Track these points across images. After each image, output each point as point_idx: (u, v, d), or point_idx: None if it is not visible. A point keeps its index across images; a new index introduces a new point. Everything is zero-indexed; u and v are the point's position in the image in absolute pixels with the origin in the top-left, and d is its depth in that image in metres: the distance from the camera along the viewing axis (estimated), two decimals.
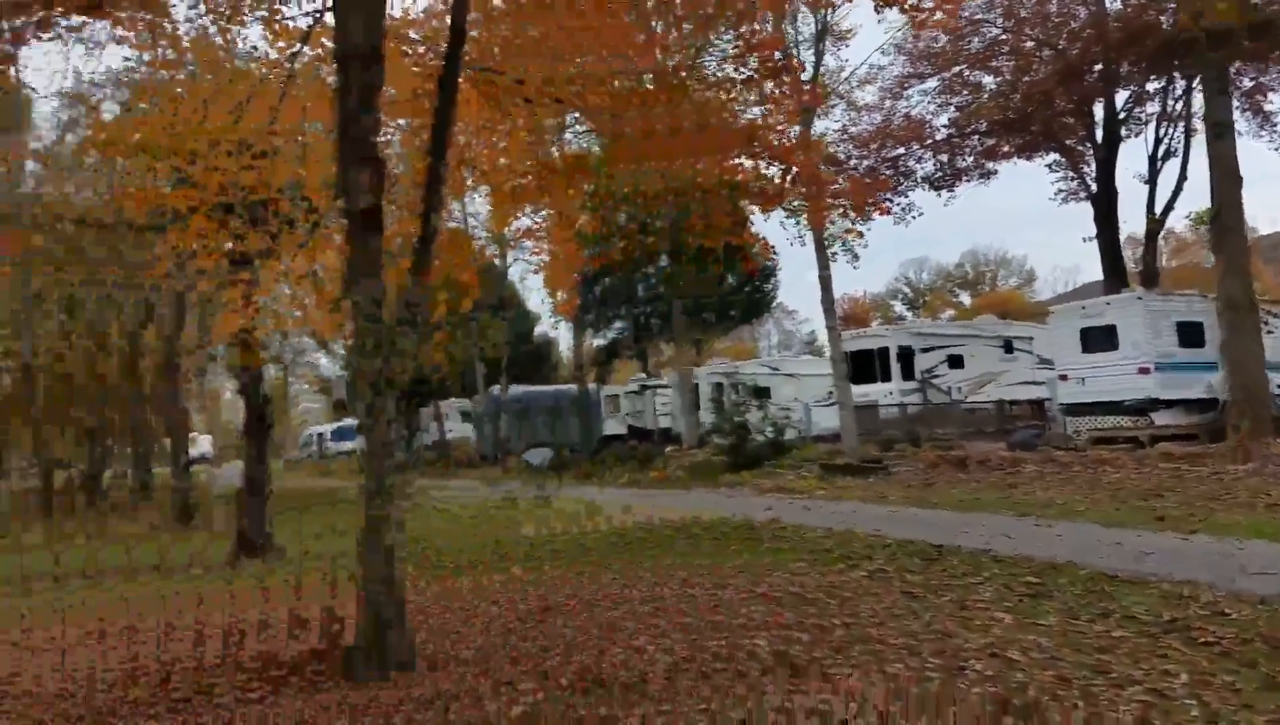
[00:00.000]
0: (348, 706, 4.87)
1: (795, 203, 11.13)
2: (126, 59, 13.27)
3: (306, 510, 20.99)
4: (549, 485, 21.97)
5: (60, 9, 4.97)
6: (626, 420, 37.67)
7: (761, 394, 27.35)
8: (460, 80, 5.97)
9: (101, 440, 31.42)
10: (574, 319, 33.90)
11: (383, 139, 6.10)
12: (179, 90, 6.88)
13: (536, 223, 9.36)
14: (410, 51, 6.97)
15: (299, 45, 6.71)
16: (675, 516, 13.56)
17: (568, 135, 9.67)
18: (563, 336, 51.28)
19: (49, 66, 32.85)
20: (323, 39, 6.64)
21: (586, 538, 12.68)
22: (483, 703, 4.75)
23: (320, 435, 70.71)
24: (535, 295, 48.68)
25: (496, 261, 36.05)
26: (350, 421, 66.63)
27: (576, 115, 8.27)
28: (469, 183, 8.74)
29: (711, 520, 13.03)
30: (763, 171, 9.11)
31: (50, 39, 5.40)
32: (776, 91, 9.31)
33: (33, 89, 18.18)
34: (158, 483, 38.92)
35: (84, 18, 5.39)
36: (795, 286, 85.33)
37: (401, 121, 7.46)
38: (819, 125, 22.89)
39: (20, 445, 29.01)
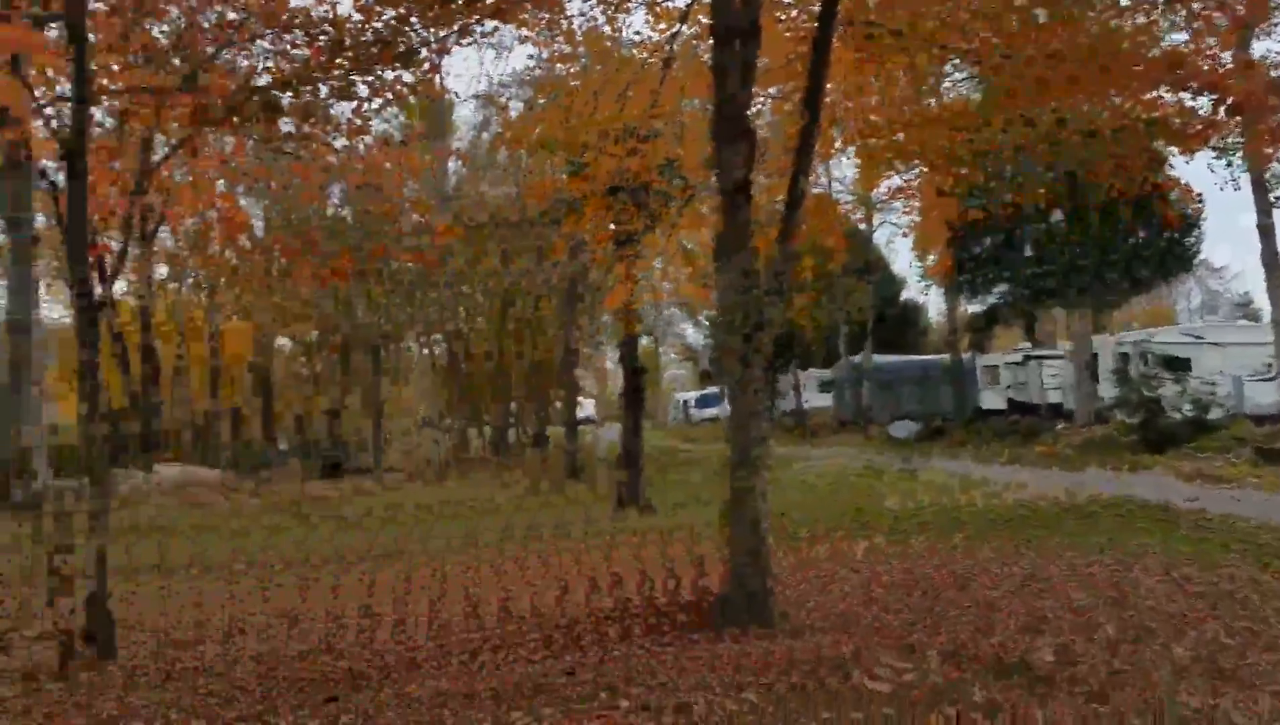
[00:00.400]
0: (715, 659, 5.00)
1: (1228, 139, 9.32)
2: (530, 57, 14.90)
3: (673, 471, 22.49)
4: (915, 458, 21.07)
5: (476, 17, 5.69)
6: (1006, 392, 34.64)
7: (1178, 365, 23.46)
8: (834, 39, 5.77)
9: (509, 404, 36.38)
10: (946, 283, 31.76)
11: (753, 109, 6.08)
12: (573, 83, 7.57)
13: (908, 181, 8.85)
14: (784, 17, 6.89)
15: (678, 26, 6.99)
16: (1063, 495, 12.29)
17: (945, 84, 9.00)
18: (932, 302, 48.37)
19: (466, 72, 38.16)
20: (699, 16, 6.83)
21: (959, 511, 11.98)
22: (848, 672, 4.58)
23: (686, 402, 75.09)
24: (902, 258, 46.56)
25: (861, 226, 35.00)
26: (713, 389, 69.89)
27: (957, 61, 7.63)
28: (837, 145, 8.50)
29: (1111, 499, 11.59)
30: (1186, 104, 7.70)
31: (468, 43, 6.19)
32: (1206, 9, 7.80)
33: (455, 94, 21.24)
34: (550, 442, 44.18)
35: (495, 22, 6.11)
36: (1223, 239, 72.64)
37: (773, 90, 7.44)
38: (1259, 46, 18.91)
39: (450, 408, 34.27)
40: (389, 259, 24.79)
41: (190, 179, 6.49)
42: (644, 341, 39.27)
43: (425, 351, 39.47)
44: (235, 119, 5.15)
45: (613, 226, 8.30)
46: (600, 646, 5.42)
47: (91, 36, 5.43)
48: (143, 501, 16.66)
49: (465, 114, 34.40)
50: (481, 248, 32.37)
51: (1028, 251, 32.78)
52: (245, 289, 30.82)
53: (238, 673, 5.29)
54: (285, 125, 5.75)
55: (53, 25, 5.62)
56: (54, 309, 30.82)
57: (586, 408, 54.86)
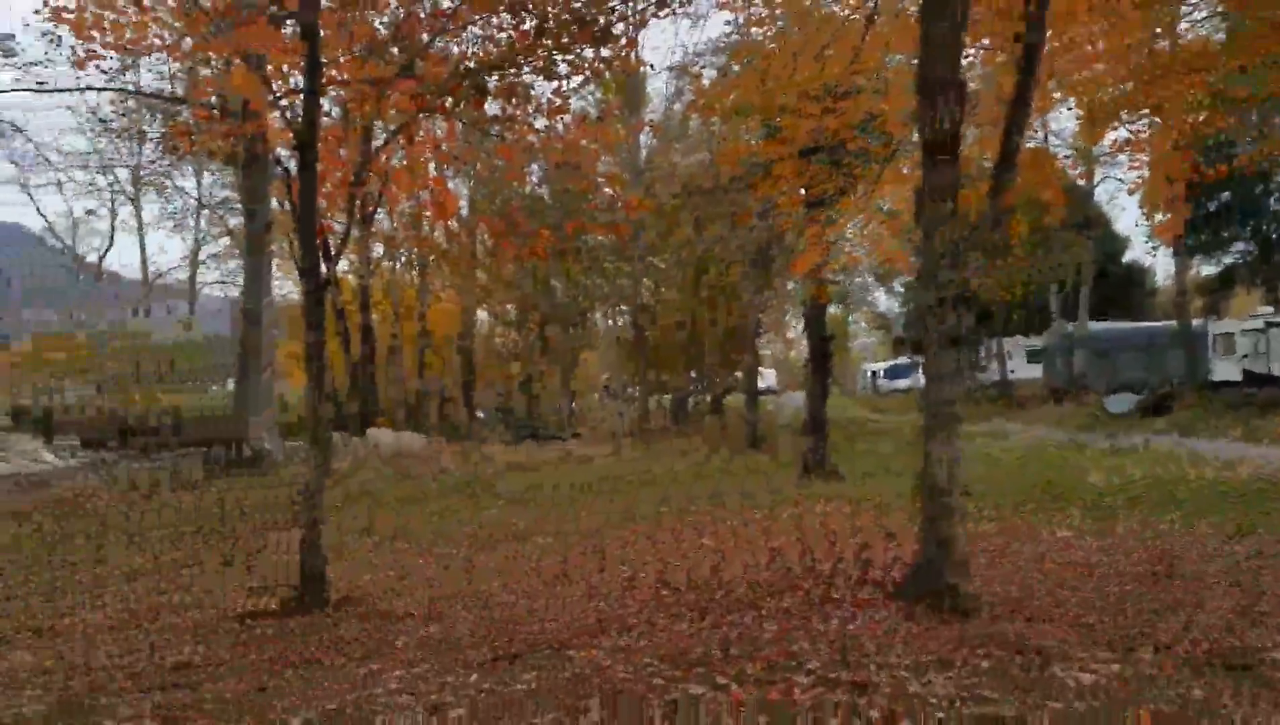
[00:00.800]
0: (902, 636, 4.86)
1: None
2: (726, 23, 14.70)
3: (861, 440, 21.91)
4: (1133, 433, 19.35)
5: None
6: (1242, 362, 31.02)
7: None
8: None
9: (689, 373, 36.79)
10: (1176, 243, 28.81)
11: (962, 60, 5.73)
12: (770, 45, 7.44)
13: (1136, 133, 8.00)
14: None
15: None
16: None
17: (1182, 25, 8.04)
18: (1160, 263, 44.03)
19: (662, 45, 38.47)
20: None
21: (1177, 486, 10.97)
22: (1046, 661, 4.32)
23: (874, 372, 72.82)
24: (1126, 216, 42.36)
25: (1080, 182, 32.31)
26: (904, 360, 67.26)
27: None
28: (1056, 96, 7.84)
29: None
30: None
31: (665, 15, 6.22)
32: None
33: (650, 67, 21.43)
34: (729, 410, 44.21)
35: None
36: None
37: (985, 41, 6.96)
38: None
39: (634, 378, 35.00)
40: (585, 235, 25.73)
41: (405, 163, 6.95)
42: (833, 309, 38.43)
43: (610, 323, 40.68)
44: (448, 103, 5.48)
45: (804, 191, 8.11)
46: (784, 615, 5.40)
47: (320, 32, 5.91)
48: (361, 466, 18.25)
49: (658, 85, 34.85)
50: (674, 219, 32.86)
51: (1272, 206, 29.10)
52: (453, 269, 32.94)
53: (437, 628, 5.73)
54: (492, 108, 6.08)
55: (287, 23, 6.20)
56: (284, 286, 34.29)
57: (768, 377, 54.48)
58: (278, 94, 6.32)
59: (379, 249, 30.21)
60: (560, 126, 6.78)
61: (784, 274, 21.67)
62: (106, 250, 42.88)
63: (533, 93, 5.96)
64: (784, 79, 6.84)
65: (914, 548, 6.42)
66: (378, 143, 7.24)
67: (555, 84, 6.18)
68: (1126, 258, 45.69)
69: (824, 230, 8.10)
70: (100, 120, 19.93)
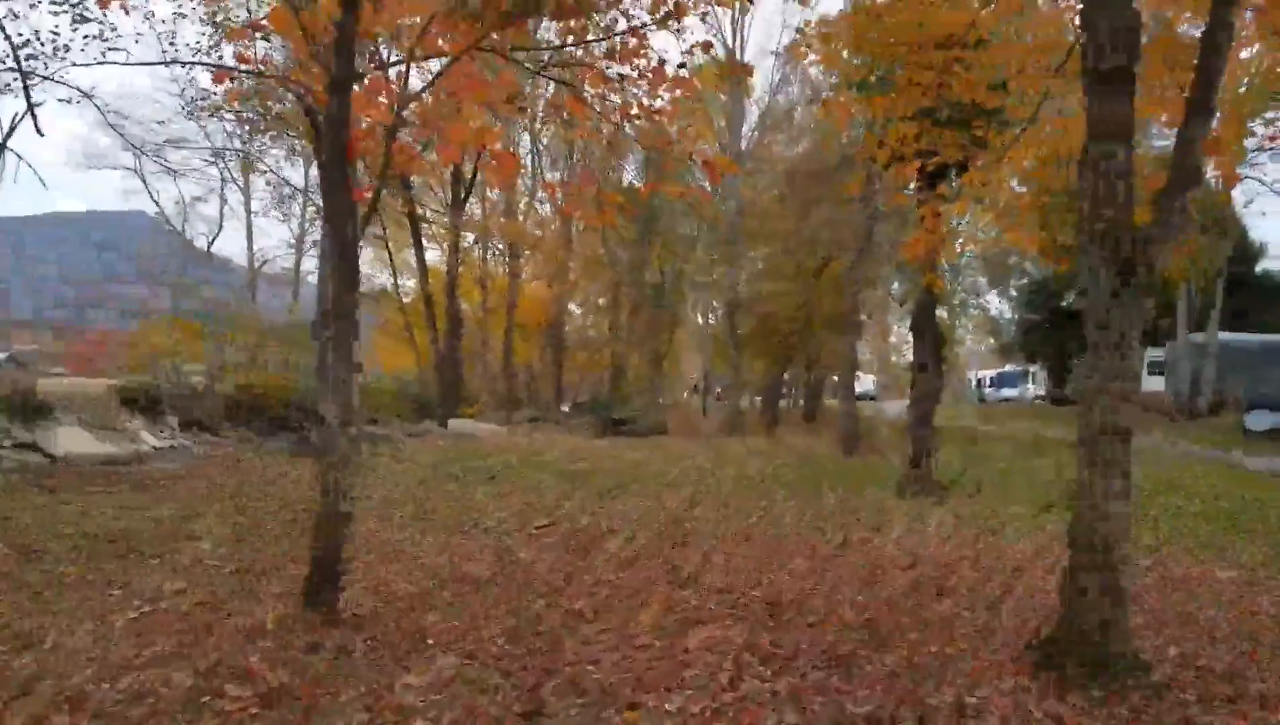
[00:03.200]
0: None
1: None
2: None
3: (966, 451, 20.16)
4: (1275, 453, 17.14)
5: None
6: None
7: None
8: None
9: (782, 373, 35.38)
10: None
11: None
12: None
13: None
14: None
15: None
16: None
17: None
18: None
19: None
20: None
21: None
22: None
23: (980, 380, 69.40)
24: (1260, 221, 38.37)
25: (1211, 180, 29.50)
26: (1011, 367, 63.86)
27: None
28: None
29: None
30: None
31: None
32: None
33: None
34: (826, 413, 42.45)
35: None
36: None
37: None
38: None
39: (721, 371, 33.82)
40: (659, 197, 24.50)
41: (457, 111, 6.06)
42: (939, 312, 36.31)
43: (701, 318, 39.64)
44: (485, 25, 4.56)
45: (921, 161, 6.88)
46: (887, 679, 4.28)
47: None
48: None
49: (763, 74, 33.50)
50: (774, 207, 31.60)
51: None
52: (546, 257, 32.47)
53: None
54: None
55: None
56: (379, 274, 34.43)
57: (865, 383, 52.26)
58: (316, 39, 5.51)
59: (469, 237, 29.93)
60: (654, 100, 5.78)
61: (889, 263, 20.20)
62: (215, 236, 44.17)
63: (597, 19, 4.99)
64: (903, 18, 5.70)
65: (1038, 583, 5.19)
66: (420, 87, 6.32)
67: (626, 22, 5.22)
68: (1260, 267, 42.02)
69: (941, 209, 6.85)
70: (191, 101, 19.89)
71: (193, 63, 15.86)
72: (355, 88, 5.31)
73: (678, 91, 6.02)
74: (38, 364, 30.17)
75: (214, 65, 13.75)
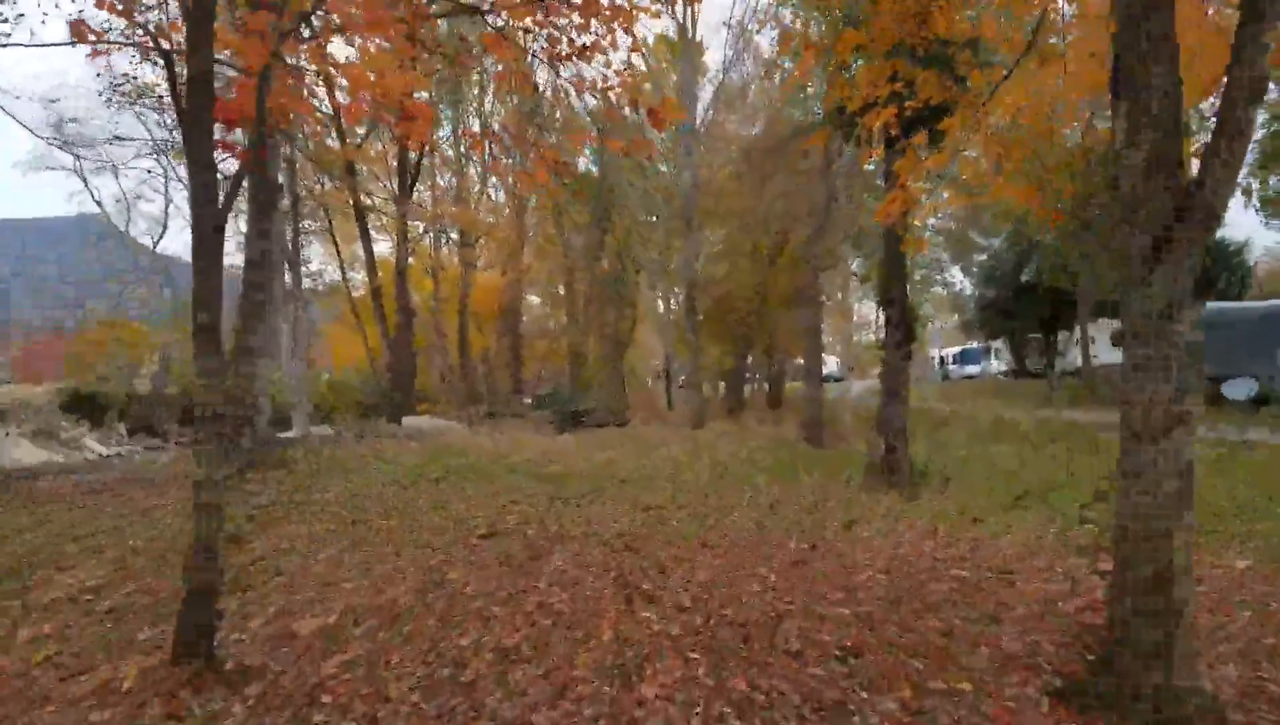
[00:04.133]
0: None
1: None
2: None
3: (932, 434, 19.60)
4: (1260, 425, 16.75)
5: None
6: None
7: None
8: None
9: (745, 357, 34.67)
10: None
11: None
12: None
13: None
14: None
15: None
16: None
17: None
18: (1259, 237, 40.41)
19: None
20: None
21: None
22: None
23: (942, 358, 69.62)
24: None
25: None
26: (974, 345, 63.99)
27: None
28: None
29: None
30: None
31: None
32: None
33: None
34: (789, 397, 41.88)
35: None
36: None
37: None
38: None
39: (683, 357, 33.02)
40: (616, 179, 23.39)
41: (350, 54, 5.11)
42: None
43: (662, 304, 38.77)
44: None
45: (893, 106, 6.02)
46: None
47: None
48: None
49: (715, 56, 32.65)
50: (729, 185, 30.76)
51: None
52: (498, 242, 31.32)
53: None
54: None
55: None
56: (327, 267, 32.94)
57: (829, 364, 51.84)
58: None
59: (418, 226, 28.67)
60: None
61: (848, 238, 19.49)
62: (161, 235, 42.27)
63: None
64: None
65: (1036, 589, 4.36)
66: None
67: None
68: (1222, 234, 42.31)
69: (917, 164, 6.02)
70: (111, 87, 18.41)
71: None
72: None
73: (615, 36, 5.11)
74: None
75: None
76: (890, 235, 11.47)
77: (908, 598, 5.49)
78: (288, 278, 21.34)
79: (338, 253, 29.33)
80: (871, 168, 23.00)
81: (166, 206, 41.09)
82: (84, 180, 39.10)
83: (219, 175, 4.27)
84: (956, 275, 49.23)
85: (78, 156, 35.40)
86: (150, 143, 24.02)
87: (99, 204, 45.67)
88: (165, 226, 42.12)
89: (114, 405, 22.51)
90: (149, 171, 40.23)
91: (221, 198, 4.27)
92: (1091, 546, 6.62)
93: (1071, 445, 16.84)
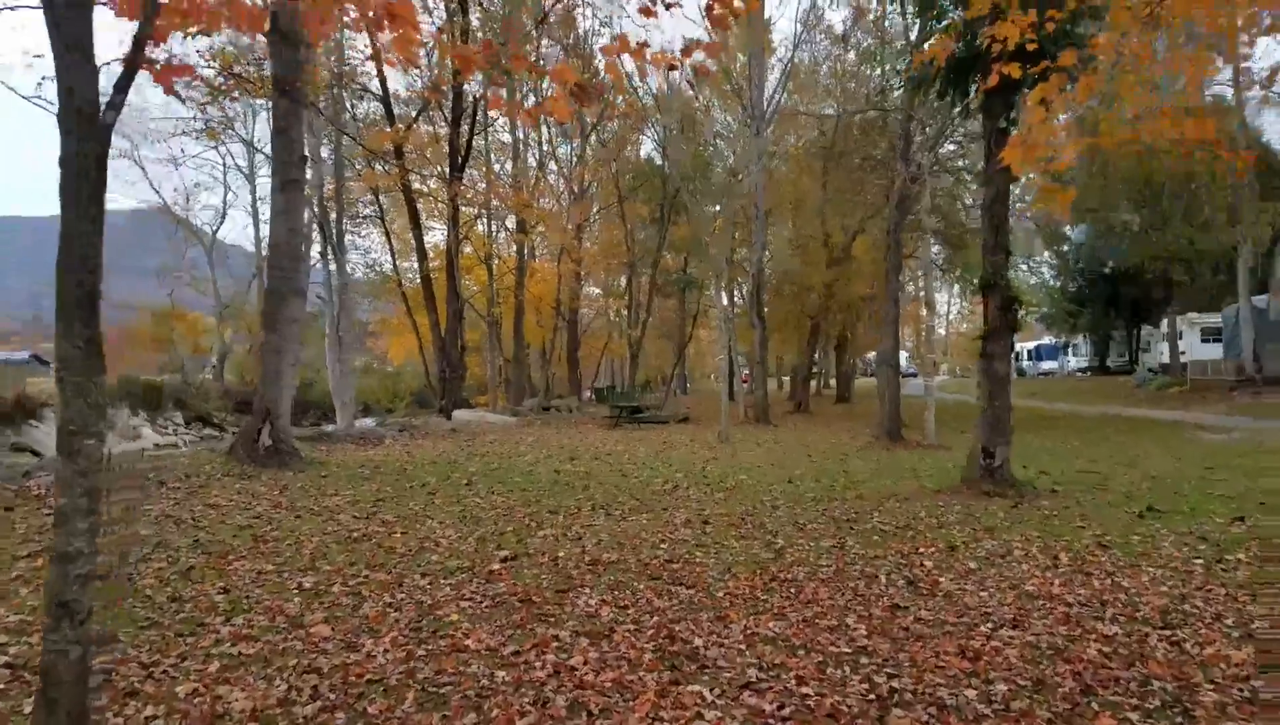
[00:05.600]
0: None
1: None
2: None
3: (1025, 434, 17.73)
4: None
5: None
6: None
7: None
8: None
9: (813, 353, 32.98)
10: None
11: None
12: None
13: None
14: None
15: None
16: None
17: None
18: None
19: None
20: None
21: None
22: None
23: (1017, 353, 66.45)
24: None
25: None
26: (1050, 340, 60.81)
27: None
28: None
29: None
30: None
31: None
32: None
33: None
34: (857, 393, 39.89)
35: None
36: None
37: None
38: None
39: (753, 354, 31.57)
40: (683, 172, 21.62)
41: None
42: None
43: (726, 298, 37.29)
44: None
45: (1027, 32, 4.52)
46: None
47: None
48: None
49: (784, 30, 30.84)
50: (798, 177, 29.09)
51: None
52: (554, 230, 30.21)
53: None
54: None
55: None
56: (380, 256, 32.20)
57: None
58: None
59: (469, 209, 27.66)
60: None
61: (929, 225, 17.73)
62: (219, 224, 42.33)
63: None
64: None
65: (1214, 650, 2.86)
66: None
67: None
68: None
69: (1059, 90, 4.51)
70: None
71: None
72: None
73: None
74: None
75: None
76: (993, 211, 9.84)
77: (1051, 671, 3.99)
78: (333, 266, 20.50)
79: (388, 240, 28.56)
80: (956, 147, 21.19)
81: (225, 195, 40.96)
82: (141, 167, 39.32)
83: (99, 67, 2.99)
84: (1037, 266, 46.55)
85: (135, 145, 35.52)
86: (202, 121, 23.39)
87: (157, 192, 45.84)
88: (224, 215, 42.14)
89: (171, 395, 21.97)
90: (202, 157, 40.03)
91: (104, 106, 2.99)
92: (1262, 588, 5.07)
93: (1178, 448, 14.88)
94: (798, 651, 4.31)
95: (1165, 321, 39.20)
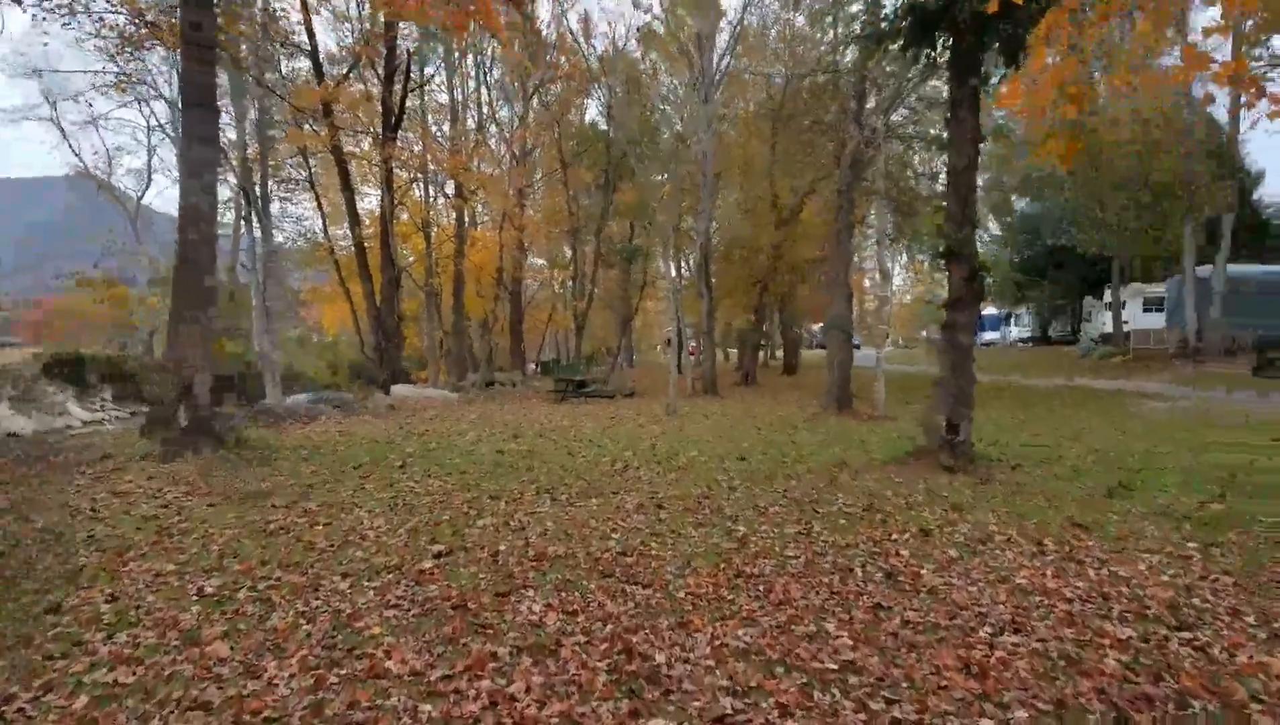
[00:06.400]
0: None
1: None
2: None
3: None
4: None
5: None
6: None
7: None
8: None
9: (760, 322, 32.55)
10: None
11: None
12: None
13: None
14: None
15: None
16: None
17: None
18: None
19: None
20: None
21: None
22: None
23: None
24: (1259, 149, 36.12)
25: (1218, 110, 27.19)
26: (992, 311, 61.62)
27: None
28: None
29: None
30: None
31: None
32: None
33: None
34: (805, 365, 39.80)
35: None
36: None
37: None
38: None
39: (700, 324, 31.07)
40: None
41: None
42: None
43: (673, 269, 36.71)
44: None
45: None
46: None
47: None
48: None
49: None
50: (746, 141, 28.45)
51: None
52: (494, 196, 29.10)
53: None
54: None
55: None
56: (306, 221, 30.68)
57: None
58: None
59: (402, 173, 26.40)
60: None
61: (882, 190, 17.25)
62: (144, 189, 40.01)
63: None
64: None
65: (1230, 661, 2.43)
66: None
67: None
68: (1256, 194, 40.09)
69: (1065, 28, 3.93)
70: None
71: None
72: None
73: None
74: None
75: None
76: (961, 179, 9.32)
77: (1071, 690, 3.48)
78: (257, 231, 19.28)
79: (318, 205, 27.16)
80: (909, 112, 20.76)
81: (149, 159, 38.76)
82: (62, 131, 37.00)
83: None
84: (983, 237, 46.93)
85: (54, 106, 33.29)
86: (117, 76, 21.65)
87: (78, 155, 43.30)
88: (149, 179, 39.98)
89: (98, 370, 20.49)
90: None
91: None
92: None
93: (1121, 420, 14.78)
94: (775, 669, 3.73)
95: (1108, 291, 39.80)
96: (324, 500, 7.89)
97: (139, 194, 39.67)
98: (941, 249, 9.88)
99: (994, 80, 10.20)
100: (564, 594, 4.77)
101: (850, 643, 4.03)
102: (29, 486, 8.63)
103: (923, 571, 5.25)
